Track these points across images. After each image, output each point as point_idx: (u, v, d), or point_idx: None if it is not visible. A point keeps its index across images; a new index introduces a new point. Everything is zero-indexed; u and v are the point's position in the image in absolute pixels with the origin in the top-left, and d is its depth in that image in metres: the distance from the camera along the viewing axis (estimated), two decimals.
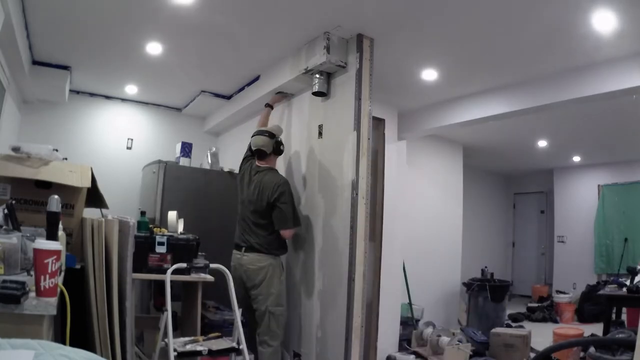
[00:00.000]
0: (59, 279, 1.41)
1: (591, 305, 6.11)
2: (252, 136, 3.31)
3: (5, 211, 1.70)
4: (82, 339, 1.97)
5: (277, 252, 3.17)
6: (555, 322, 6.23)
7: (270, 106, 3.75)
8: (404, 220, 4.73)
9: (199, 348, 2.44)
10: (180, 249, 2.84)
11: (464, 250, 6.18)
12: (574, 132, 5.54)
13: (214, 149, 4.40)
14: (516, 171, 8.62)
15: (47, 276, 1.33)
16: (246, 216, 3.21)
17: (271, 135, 3.24)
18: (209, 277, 2.86)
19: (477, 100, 4.05)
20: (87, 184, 2.38)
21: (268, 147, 3.22)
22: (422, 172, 5.70)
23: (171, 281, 2.52)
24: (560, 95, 3.41)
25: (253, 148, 3.28)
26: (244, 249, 3.15)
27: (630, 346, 2.42)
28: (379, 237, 4.32)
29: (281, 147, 3.32)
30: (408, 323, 4.82)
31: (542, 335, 4.91)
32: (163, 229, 3.00)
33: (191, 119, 5.40)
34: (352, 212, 2.91)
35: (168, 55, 3.65)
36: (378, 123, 4.36)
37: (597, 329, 4.75)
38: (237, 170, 4.29)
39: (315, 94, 3.27)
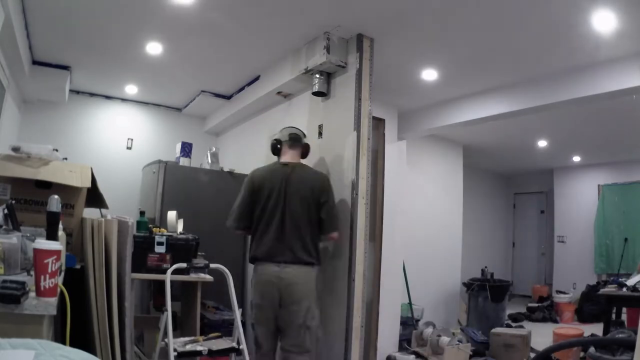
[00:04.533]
0: (59, 279, 1.41)
1: (591, 305, 6.11)
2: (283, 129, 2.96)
3: (5, 211, 1.70)
4: (82, 339, 1.97)
5: (318, 260, 2.75)
6: (555, 322, 6.23)
7: None
8: (404, 220, 4.73)
9: (199, 348, 2.44)
10: (179, 249, 2.84)
11: (464, 250, 6.18)
12: (574, 132, 5.54)
13: (214, 149, 4.40)
14: (516, 171, 8.62)
15: (47, 276, 1.33)
16: (284, 221, 2.68)
17: (303, 134, 2.96)
18: (208, 277, 2.86)
19: (477, 100, 4.05)
20: (87, 184, 2.38)
21: (298, 141, 2.89)
22: (422, 172, 5.70)
23: (170, 281, 2.52)
24: (560, 95, 3.41)
25: (287, 137, 2.87)
26: (283, 261, 2.64)
27: (630, 346, 2.42)
28: (379, 237, 4.32)
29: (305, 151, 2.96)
30: (408, 323, 4.82)
31: (542, 335, 4.91)
32: (162, 229, 3.00)
33: (191, 119, 5.40)
34: (352, 212, 2.91)
35: (168, 55, 3.65)
36: (378, 123, 4.36)
37: (597, 329, 4.75)
38: (237, 170, 4.31)
39: (315, 94, 3.27)
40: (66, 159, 2.63)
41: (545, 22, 2.75)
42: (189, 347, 2.43)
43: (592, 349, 2.88)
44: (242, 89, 4.32)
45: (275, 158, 2.96)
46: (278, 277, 2.63)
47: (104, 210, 2.88)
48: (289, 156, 2.87)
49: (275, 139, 2.92)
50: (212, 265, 2.74)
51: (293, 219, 2.68)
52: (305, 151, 2.94)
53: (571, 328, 5.14)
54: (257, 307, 2.71)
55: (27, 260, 1.54)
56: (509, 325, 5.40)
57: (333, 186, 3.13)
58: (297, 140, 2.89)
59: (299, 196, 2.70)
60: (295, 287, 2.62)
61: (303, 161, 2.93)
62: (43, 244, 1.37)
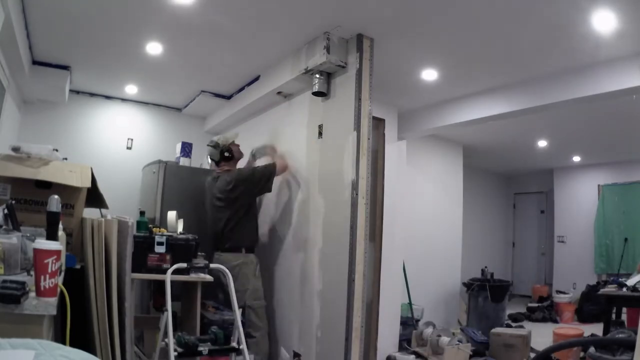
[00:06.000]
0: (59, 279, 1.41)
1: (591, 305, 6.11)
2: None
3: (5, 211, 1.70)
4: (82, 339, 1.97)
5: (249, 248, 3.41)
6: (555, 322, 6.23)
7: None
8: (404, 220, 4.73)
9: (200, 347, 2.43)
10: (179, 249, 2.84)
11: (464, 250, 6.18)
12: (574, 132, 5.54)
13: None
14: (516, 171, 8.62)
15: (47, 276, 1.33)
16: (216, 219, 3.41)
17: (215, 145, 3.55)
18: (208, 277, 2.86)
19: (477, 100, 4.05)
20: (87, 184, 2.38)
21: (215, 156, 3.57)
22: (422, 172, 5.70)
23: (171, 281, 2.52)
24: (560, 95, 3.41)
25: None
26: (220, 250, 3.37)
27: (630, 346, 2.42)
28: (379, 237, 4.32)
29: (225, 154, 3.54)
30: (408, 323, 4.82)
31: (542, 335, 4.91)
32: (162, 229, 3.00)
33: (191, 119, 5.40)
34: (352, 212, 2.91)
35: (168, 55, 3.65)
36: (378, 123, 4.36)
37: (597, 329, 4.75)
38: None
39: (315, 94, 3.27)
40: (66, 159, 2.63)
41: (545, 22, 2.75)
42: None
43: (592, 349, 2.88)
44: (242, 89, 4.32)
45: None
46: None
47: (104, 210, 2.88)
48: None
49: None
50: (212, 265, 2.74)
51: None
52: (225, 160, 3.59)
53: (571, 328, 5.14)
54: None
55: (27, 260, 1.54)
56: (509, 325, 5.40)
57: (333, 186, 3.14)
58: (217, 164, 3.61)
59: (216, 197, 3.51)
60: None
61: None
62: (43, 244, 1.37)
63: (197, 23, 3.06)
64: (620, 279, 4.12)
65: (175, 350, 2.32)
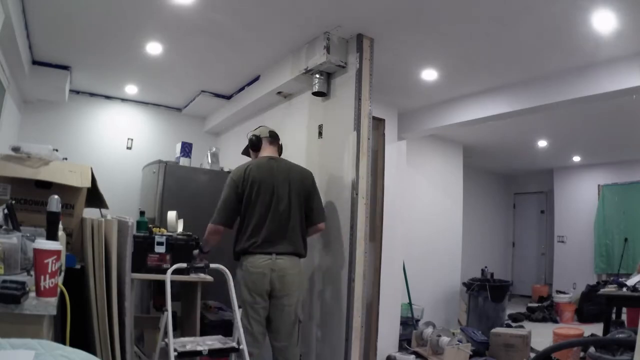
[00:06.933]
0: (59, 279, 1.41)
1: (591, 305, 6.11)
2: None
3: (5, 211, 1.70)
4: (82, 339, 1.97)
5: (306, 253, 2.82)
6: (555, 322, 6.23)
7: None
8: (404, 220, 4.73)
9: (199, 348, 2.43)
10: (179, 249, 2.83)
11: (464, 250, 6.18)
12: (574, 132, 5.54)
13: (214, 149, 4.40)
14: (516, 171, 8.62)
15: (47, 276, 1.33)
16: (277, 213, 2.66)
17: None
18: (208, 277, 2.86)
19: (477, 100, 4.05)
20: (87, 184, 2.38)
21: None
22: (422, 172, 5.71)
23: (171, 281, 2.51)
24: (560, 95, 3.42)
25: (267, 133, 2.93)
26: (275, 252, 2.63)
27: (630, 346, 2.42)
28: (379, 237, 4.32)
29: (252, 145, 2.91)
30: (408, 323, 4.82)
31: (542, 335, 4.91)
32: (162, 229, 3.00)
33: (191, 119, 5.40)
34: (352, 212, 2.91)
35: (168, 55, 3.65)
36: (378, 123, 4.36)
37: (597, 329, 4.75)
38: None
39: (315, 94, 3.27)
40: (66, 159, 2.63)
41: (545, 22, 2.75)
42: (189, 347, 2.42)
43: (592, 349, 2.88)
44: (242, 89, 4.32)
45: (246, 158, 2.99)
46: (270, 268, 2.61)
47: (104, 210, 2.88)
48: (270, 151, 2.88)
49: (254, 135, 2.92)
50: (212, 265, 2.74)
51: (286, 211, 2.69)
52: (280, 150, 2.96)
53: (571, 328, 5.14)
54: (250, 304, 2.64)
55: (27, 260, 1.54)
56: (509, 325, 5.40)
57: (333, 186, 3.15)
58: (276, 138, 2.93)
59: (290, 188, 2.72)
60: (289, 277, 2.65)
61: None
62: (43, 244, 1.37)
63: (197, 23, 3.06)
64: (620, 279, 4.13)
65: (175, 350, 2.32)
